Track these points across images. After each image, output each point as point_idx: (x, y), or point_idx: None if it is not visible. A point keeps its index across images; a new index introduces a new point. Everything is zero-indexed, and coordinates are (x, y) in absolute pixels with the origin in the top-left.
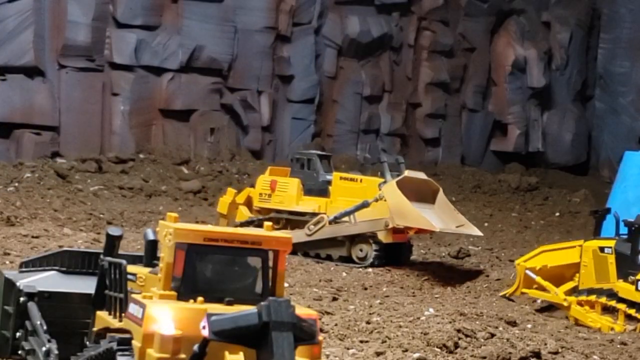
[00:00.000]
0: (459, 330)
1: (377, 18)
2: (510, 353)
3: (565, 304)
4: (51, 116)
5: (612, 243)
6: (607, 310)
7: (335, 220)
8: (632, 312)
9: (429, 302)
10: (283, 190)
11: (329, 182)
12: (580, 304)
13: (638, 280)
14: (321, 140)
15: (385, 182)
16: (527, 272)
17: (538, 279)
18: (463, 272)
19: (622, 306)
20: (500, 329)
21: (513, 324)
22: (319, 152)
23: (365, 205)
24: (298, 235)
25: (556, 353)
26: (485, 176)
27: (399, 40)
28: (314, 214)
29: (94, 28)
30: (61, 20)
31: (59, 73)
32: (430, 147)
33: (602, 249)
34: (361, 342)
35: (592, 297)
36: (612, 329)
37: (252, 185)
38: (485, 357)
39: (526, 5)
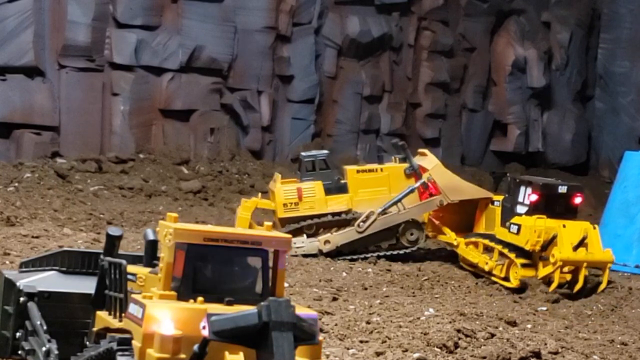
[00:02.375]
0: (459, 330)
1: (377, 18)
2: (510, 353)
3: (455, 243)
4: (51, 116)
5: (500, 197)
6: (487, 250)
7: (385, 212)
8: (505, 250)
9: (429, 302)
10: (310, 195)
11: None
12: (467, 244)
13: (511, 224)
14: (321, 140)
15: (411, 167)
16: (431, 217)
17: (438, 223)
18: (463, 272)
19: (498, 246)
20: (500, 329)
21: (513, 324)
22: (326, 152)
23: (412, 190)
24: (348, 235)
25: (556, 353)
26: (485, 176)
27: (399, 40)
28: (347, 213)
29: (94, 28)
30: (61, 20)
31: (59, 73)
32: (430, 147)
33: (492, 202)
34: (361, 342)
35: (477, 239)
36: (486, 263)
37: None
38: (485, 357)
39: (526, 5)
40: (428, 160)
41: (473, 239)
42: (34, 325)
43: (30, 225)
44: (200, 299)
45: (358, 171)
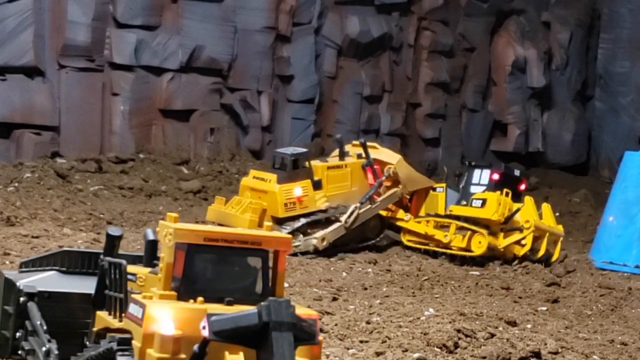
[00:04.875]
0: (459, 330)
1: (377, 18)
2: (510, 353)
3: (406, 219)
4: (51, 116)
5: (443, 185)
6: (440, 227)
7: (362, 205)
8: (465, 224)
9: (429, 302)
10: (305, 194)
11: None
12: (418, 222)
13: (474, 199)
14: (321, 140)
15: (368, 162)
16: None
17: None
18: (463, 272)
19: (454, 221)
20: (500, 329)
21: (513, 324)
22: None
23: (380, 184)
24: (338, 231)
25: (556, 353)
26: None
27: (399, 40)
28: (335, 208)
29: (94, 28)
30: (61, 20)
31: (59, 73)
32: (430, 147)
33: (434, 189)
34: (361, 342)
35: (428, 218)
36: (445, 235)
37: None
38: (485, 357)
39: (526, 5)
40: (385, 153)
41: (423, 218)
42: (34, 325)
43: (30, 225)
44: (200, 299)
45: (328, 167)
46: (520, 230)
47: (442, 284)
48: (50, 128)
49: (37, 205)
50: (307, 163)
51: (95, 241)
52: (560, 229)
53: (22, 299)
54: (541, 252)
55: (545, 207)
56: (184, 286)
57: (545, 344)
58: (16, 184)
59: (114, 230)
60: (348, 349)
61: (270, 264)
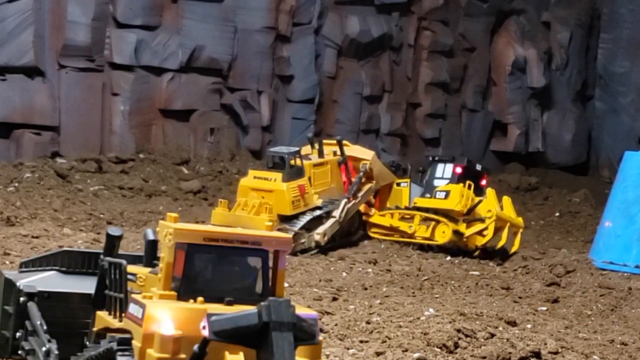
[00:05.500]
0: (459, 330)
1: (377, 18)
2: (510, 353)
3: (371, 213)
4: (51, 116)
5: (407, 180)
6: (404, 219)
7: (350, 199)
8: (427, 215)
9: (429, 302)
10: (307, 191)
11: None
12: (383, 215)
13: (438, 191)
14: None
15: (343, 159)
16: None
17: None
18: (463, 272)
19: (419, 213)
20: (500, 329)
21: (513, 324)
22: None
23: (361, 179)
24: (334, 227)
25: (556, 353)
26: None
27: (399, 40)
28: (332, 203)
29: (94, 28)
30: (61, 20)
31: (59, 73)
32: (430, 147)
33: (398, 184)
34: (361, 342)
35: (393, 211)
36: (410, 226)
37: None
38: (485, 357)
39: (526, 5)
40: (359, 150)
41: (387, 211)
42: (34, 325)
43: (30, 225)
44: (200, 299)
45: (314, 165)
46: (483, 220)
47: (442, 284)
48: (50, 128)
49: (37, 205)
50: (292, 161)
51: (95, 241)
52: (520, 221)
53: (22, 299)
54: (502, 242)
55: (506, 200)
56: (184, 286)
57: (545, 344)
58: (16, 184)
59: (114, 230)
60: (348, 349)
61: (270, 264)
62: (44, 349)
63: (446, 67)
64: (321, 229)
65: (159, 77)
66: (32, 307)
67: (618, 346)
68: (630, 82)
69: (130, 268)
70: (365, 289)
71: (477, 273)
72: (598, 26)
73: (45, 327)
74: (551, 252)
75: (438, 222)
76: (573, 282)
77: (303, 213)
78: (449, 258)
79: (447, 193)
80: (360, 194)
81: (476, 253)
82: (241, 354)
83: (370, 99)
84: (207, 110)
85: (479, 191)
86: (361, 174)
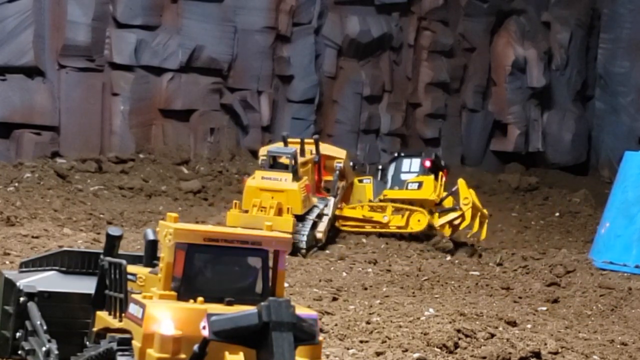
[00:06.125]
0: (459, 330)
1: (377, 18)
2: (510, 353)
3: (340, 206)
4: (51, 116)
5: (370, 177)
6: (375, 210)
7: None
8: (398, 205)
9: (429, 302)
10: (310, 190)
11: None
12: (353, 208)
13: (410, 182)
14: (321, 140)
15: (318, 158)
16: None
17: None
18: (463, 272)
19: (390, 204)
20: (500, 329)
21: (513, 324)
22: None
23: (338, 177)
24: (328, 224)
25: (556, 353)
26: (485, 176)
27: (399, 40)
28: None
29: (94, 28)
30: (61, 20)
31: (59, 73)
32: (430, 147)
33: (360, 181)
34: (361, 342)
35: (362, 203)
36: (384, 216)
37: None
38: (485, 357)
39: (526, 5)
40: (331, 149)
41: (358, 204)
42: (34, 325)
43: (30, 225)
44: (200, 299)
45: (301, 164)
46: (455, 209)
47: (442, 284)
48: (50, 128)
49: (37, 205)
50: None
51: (95, 241)
52: (485, 211)
53: (22, 299)
54: (475, 229)
55: (471, 192)
56: (184, 286)
57: (545, 344)
58: (16, 184)
59: (114, 230)
60: (348, 349)
61: (270, 264)
62: (44, 349)
63: (446, 67)
64: (322, 228)
65: (159, 77)
66: (32, 307)
67: (618, 346)
68: (630, 82)
69: (130, 268)
70: (365, 289)
71: (477, 273)
72: (598, 26)
73: (45, 327)
74: (551, 252)
75: (412, 211)
76: (573, 282)
77: (308, 212)
78: (449, 258)
79: (420, 184)
80: (338, 192)
81: (462, 227)
82: (241, 354)
83: (370, 99)
84: (207, 110)
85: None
86: (337, 172)
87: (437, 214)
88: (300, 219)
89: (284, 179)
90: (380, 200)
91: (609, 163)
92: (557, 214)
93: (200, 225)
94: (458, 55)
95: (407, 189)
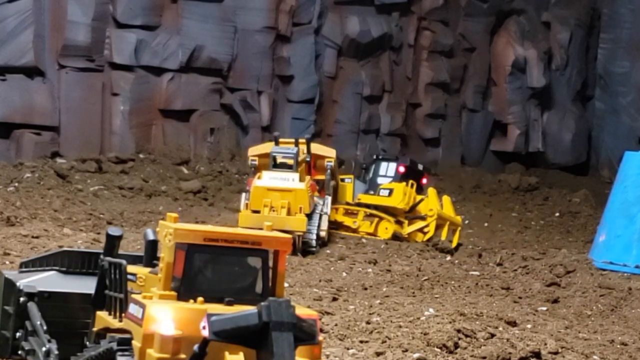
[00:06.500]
0: (459, 330)
1: (377, 18)
2: (510, 353)
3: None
4: (51, 116)
5: (351, 176)
6: (348, 213)
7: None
8: (373, 211)
9: (429, 302)
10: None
11: None
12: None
13: (382, 189)
14: (321, 140)
15: (309, 157)
16: None
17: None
18: (463, 272)
19: (362, 209)
20: (500, 329)
21: (513, 324)
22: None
23: (330, 176)
24: (327, 222)
25: (556, 353)
26: (485, 176)
27: (399, 40)
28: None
29: (94, 28)
30: (61, 20)
31: (59, 73)
32: (430, 147)
33: (342, 180)
34: (361, 342)
35: (337, 205)
36: (354, 222)
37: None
38: (485, 357)
39: (526, 5)
40: (321, 148)
41: (334, 206)
42: (34, 325)
43: (30, 225)
44: (200, 299)
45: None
46: (424, 218)
47: (442, 284)
48: (50, 128)
49: (37, 205)
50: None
51: (95, 241)
52: (458, 219)
53: (22, 299)
54: (442, 238)
55: (446, 199)
56: (184, 286)
57: (545, 344)
58: (16, 184)
59: (114, 230)
60: (348, 349)
61: (270, 264)
62: (44, 349)
63: (446, 67)
64: (324, 226)
65: (159, 77)
66: (32, 307)
67: (618, 346)
68: (630, 82)
69: (130, 268)
70: (365, 289)
71: (477, 273)
72: (598, 26)
73: (45, 327)
74: (551, 252)
75: (381, 218)
76: (573, 282)
77: (312, 211)
78: (449, 258)
79: (391, 191)
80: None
81: (425, 237)
82: (241, 354)
83: (370, 99)
84: (207, 110)
85: (420, 190)
86: (329, 171)
87: (406, 222)
88: (309, 217)
89: (291, 179)
90: (356, 204)
91: (609, 163)
92: (557, 214)
93: (200, 225)
94: (458, 55)
95: (379, 194)
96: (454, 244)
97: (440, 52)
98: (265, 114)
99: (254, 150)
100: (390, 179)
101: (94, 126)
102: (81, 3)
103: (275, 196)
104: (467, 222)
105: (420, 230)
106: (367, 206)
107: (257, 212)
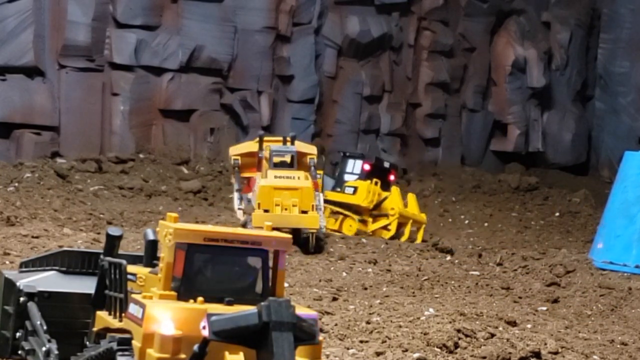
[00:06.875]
0: (459, 330)
1: (377, 18)
2: (510, 353)
3: None
4: (51, 116)
5: (321, 172)
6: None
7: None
8: (338, 208)
9: (429, 302)
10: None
11: None
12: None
13: (347, 186)
14: (321, 140)
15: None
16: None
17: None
18: (463, 272)
19: (329, 206)
20: (500, 329)
21: (513, 324)
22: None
23: (315, 172)
24: (324, 216)
25: (556, 353)
26: (485, 176)
27: (399, 40)
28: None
29: (94, 28)
30: (61, 20)
31: (59, 73)
32: (430, 147)
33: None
34: (361, 342)
35: None
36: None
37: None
38: (485, 357)
39: (526, 5)
40: (302, 145)
41: None
42: (34, 325)
43: (30, 225)
44: (200, 299)
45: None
46: (387, 216)
47: (442, 284)
48: (50, 128)
49: (37, 205)
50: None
51: (95, 241)
52: (423, 217)
53: (22, 299)
54: (405, 237)
55: (411, 197)
56: (184, 286)
57: (545, 344)
58: (16, 184)
59: (114, 230)
60: (348, 349)
61: (270, 264)
62: (44, 349)
63: (446, 67)
64: (324, 221)
65: (159, 77)
66: (32, 307)
67: (618, 346)
68: (630, 82)
69: (130, 268)
70: (365, 289)
71: (477, 273)
72: (598, 26)
73: (45, 327)
74: (551, 252)
75: (346, 216)
76: (573, 282)
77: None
78: (449, 258)
79: (355, 189)
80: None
81: (387, 236)
82: (241, 354)
83: (370, 99)
84: (207, 110)
85: (388, 186)
86: (313, 167)
87: (370, 220)
88: None
89: (297, 177)
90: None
91: (609, 163)
92: (557, 214)
93: (200, 225)
94: (458, 55)
95: (344, 192)
96: (418, 240)
97: (440, 52)
98: (265, 113)
99: (235, 150)
100: (357, 177)
101: (94, 126)
102: (81, 3)
103: (285, 195)
104: (467, 222)
105: (385, 227)
106: (333, 203)
107: (267, 211)
